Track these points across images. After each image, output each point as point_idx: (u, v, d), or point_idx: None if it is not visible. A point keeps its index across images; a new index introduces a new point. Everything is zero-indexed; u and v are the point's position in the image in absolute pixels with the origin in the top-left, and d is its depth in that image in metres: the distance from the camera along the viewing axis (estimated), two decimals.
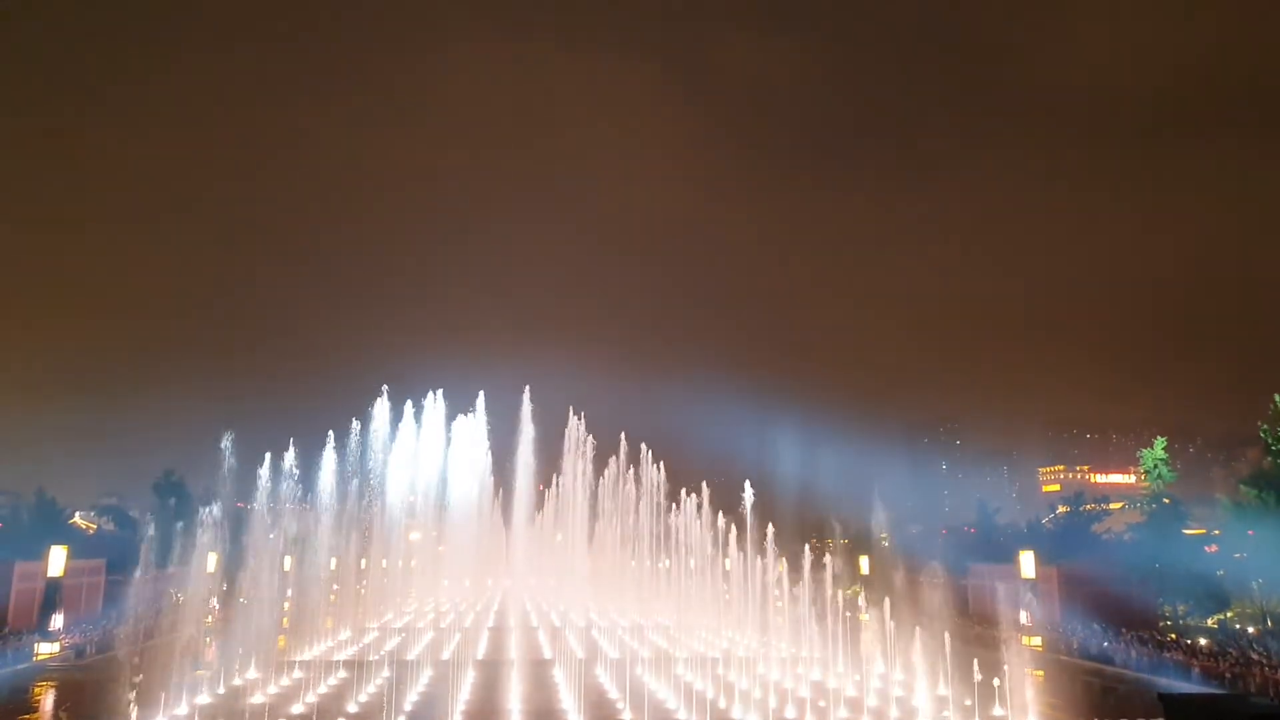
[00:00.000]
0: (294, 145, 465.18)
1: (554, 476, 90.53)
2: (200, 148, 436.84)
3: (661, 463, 78.94)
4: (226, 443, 46.42)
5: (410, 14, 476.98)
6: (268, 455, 49.41)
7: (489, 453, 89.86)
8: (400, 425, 75.02)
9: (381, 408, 71.71)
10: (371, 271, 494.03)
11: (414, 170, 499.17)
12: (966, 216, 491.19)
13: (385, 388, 72.00)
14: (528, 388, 79.99)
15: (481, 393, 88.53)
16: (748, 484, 62.46)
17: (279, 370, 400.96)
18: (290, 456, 50.91)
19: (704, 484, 68.58)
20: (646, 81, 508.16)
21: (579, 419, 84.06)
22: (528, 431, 78.76)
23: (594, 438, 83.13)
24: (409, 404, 76.08)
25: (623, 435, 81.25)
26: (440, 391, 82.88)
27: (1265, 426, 57.74)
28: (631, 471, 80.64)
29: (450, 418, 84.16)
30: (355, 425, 66.77)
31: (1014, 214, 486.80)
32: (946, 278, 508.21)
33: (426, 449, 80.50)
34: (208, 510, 43.59)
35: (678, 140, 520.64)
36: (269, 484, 49.50)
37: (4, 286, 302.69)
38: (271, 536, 50.71)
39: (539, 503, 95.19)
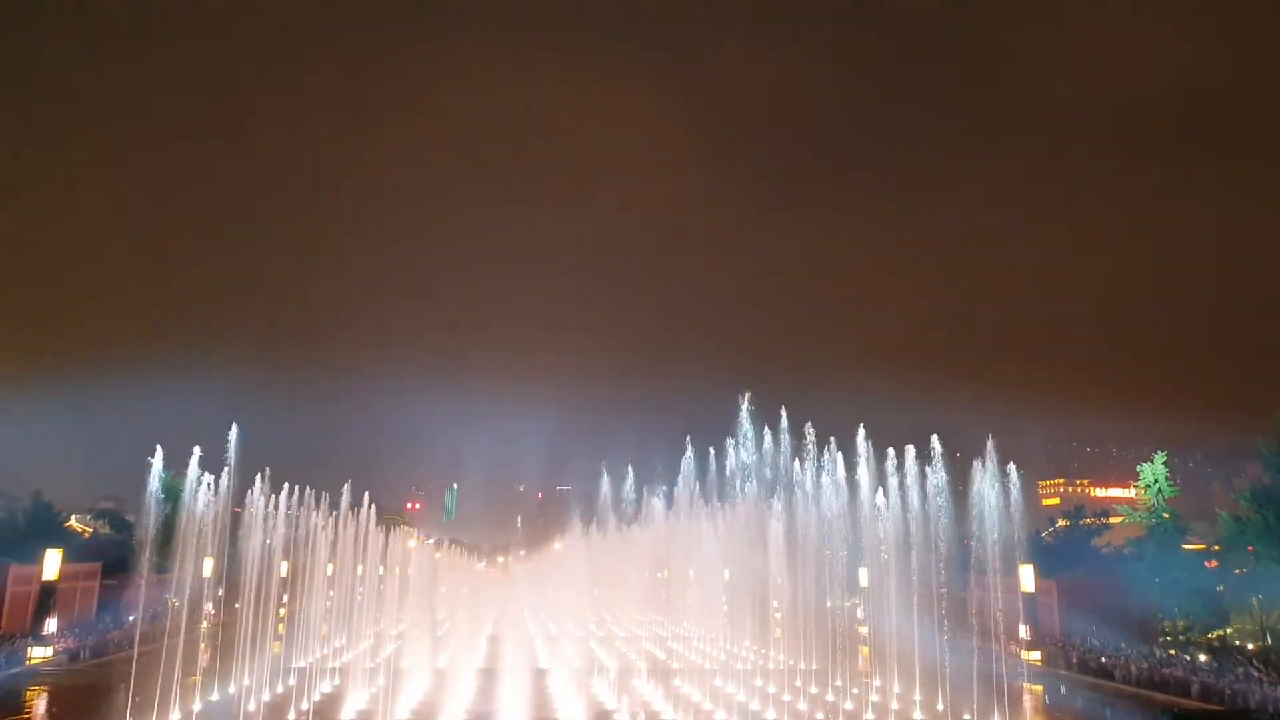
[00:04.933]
0: (296, 148, 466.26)
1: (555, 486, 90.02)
2: (201, 149, 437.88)
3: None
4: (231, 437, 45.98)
5: (411, 22, 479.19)
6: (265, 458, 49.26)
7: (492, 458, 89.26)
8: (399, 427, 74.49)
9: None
10: (371, 274, 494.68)
11: (410, 175, 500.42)
12: (966, 229, 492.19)
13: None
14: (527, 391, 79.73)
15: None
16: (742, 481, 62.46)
17: (280, 371, 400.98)
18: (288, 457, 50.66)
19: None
20: (644, 93, 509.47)
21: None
22: (532, 438, 78.36)
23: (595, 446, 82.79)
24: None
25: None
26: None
27: (1266, 442, 57.54)
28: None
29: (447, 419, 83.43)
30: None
31: (1015, 227, 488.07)
32: (947, 289, 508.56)
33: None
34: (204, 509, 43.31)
35: (675, 152, 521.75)
36: (266, 487, 49.31)
37: (2, 285, 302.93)
38: (268, 541, 50.47)
39: (539, 509, 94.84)
